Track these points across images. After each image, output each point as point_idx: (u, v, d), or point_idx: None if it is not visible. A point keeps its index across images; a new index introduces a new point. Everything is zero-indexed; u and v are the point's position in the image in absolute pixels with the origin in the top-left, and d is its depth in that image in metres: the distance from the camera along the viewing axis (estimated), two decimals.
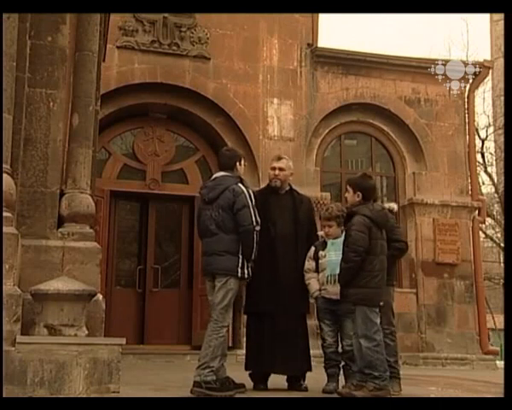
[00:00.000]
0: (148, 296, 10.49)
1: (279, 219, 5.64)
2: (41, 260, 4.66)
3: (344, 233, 5.24)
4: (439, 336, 10.79)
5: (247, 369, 5.62)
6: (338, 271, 5.16)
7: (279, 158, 5.90)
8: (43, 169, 4.86)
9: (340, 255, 5.13)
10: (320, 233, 5.68)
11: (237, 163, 5.26)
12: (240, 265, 5.02)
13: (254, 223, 5.02)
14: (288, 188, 5.84)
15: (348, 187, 5.24)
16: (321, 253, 5.51)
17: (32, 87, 4.89)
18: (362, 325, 4.92)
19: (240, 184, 5.13)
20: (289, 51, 10.82)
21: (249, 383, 5.54)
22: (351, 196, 5.18)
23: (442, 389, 6.17)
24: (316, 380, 5.53)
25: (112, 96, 9.56)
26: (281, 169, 5.75)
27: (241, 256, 5.03)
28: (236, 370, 5.68)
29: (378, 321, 4.97)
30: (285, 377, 5.58)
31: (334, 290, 5.27)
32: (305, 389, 5.32)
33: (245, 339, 6.02)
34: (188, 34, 10.30)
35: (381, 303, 5.06)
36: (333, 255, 5.37)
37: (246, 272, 5.05)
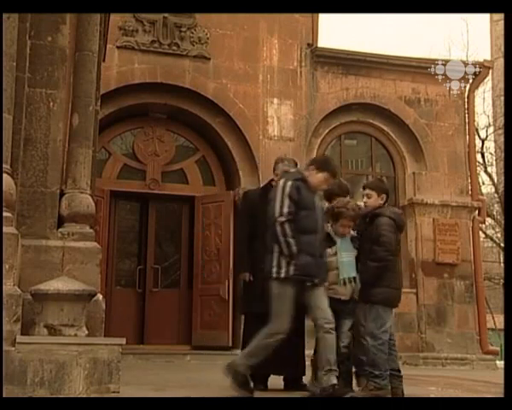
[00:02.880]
0: (148, 296, 10.49)
1: None
2: (41, 260, 4.66)
3: (362, 234, 5.34)
4: (439, 336, 10.79)
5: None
6: (353, 273, 5.16)
7: (296, 164, 6.07)
8: (43, 169, 4.86)
9: (352, 256, 5.18)
10: (328, 229, 5.40)
11: (310, 166, 5.18)
12: (275, 263, 4.84)
13: (277, 214, 4.82)
14: None
15: (370, 191, 5.38)
16: (328, 250, 5.25)
17: (32, 87, 4.89)
18: (372, 323, 5.01)
19: (283, 179, 5.05)
20: (289, 51, 10.82)
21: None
22: (374, 200, 5.32)
23: (442, 389, 6.16)
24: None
25: (112, 96, 9.55)
26: None
27: (276, 254, 4.85)
28: None
29: (389, 322, 5.08)
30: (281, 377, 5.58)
31: (343, 291, 5.20)
32: (307, 389, 5.31)
33: (241, 339, 5.99)
34: (188, 34, 10.29)
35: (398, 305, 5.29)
36: (344, 256, 5.24)
37: (283, 271, 4.80)
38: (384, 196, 5.34)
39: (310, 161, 5.56)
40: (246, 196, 6.39)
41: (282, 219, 4.81)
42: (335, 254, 5.24)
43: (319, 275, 4.93)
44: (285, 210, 4.84)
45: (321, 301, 4.91)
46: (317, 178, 5.08)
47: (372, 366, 4.94)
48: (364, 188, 5.51)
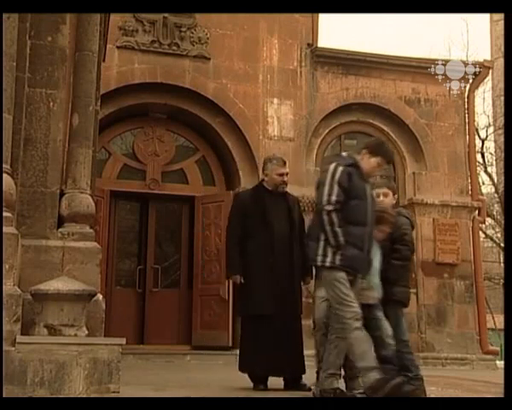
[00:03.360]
0: (148, 296, 10.49)
1: (275, 219, 5.64)
2: (41, 260, 4.65)
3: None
4: (439, 336, 10.79)
5: (241, 370, 5.62)
6: (378, 279, 4.98)
7: (284, 162, 5.88)
8: (43, 169, 4.86)
9: (378, 260, 4.98)
10: None
11: (363, 150, 4.87)
12: (321, 252, 4.58)
13: (324, 202, 4.52)
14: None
15: (388, 190, 5.37)
16: None
17: (32, 87, 4.89)
18: (397, 327, 4.99)
19: (334, 163, 4.70)
20: (289, 51, 10.82)
21: (249, 384, 5.54)
22: (390, 199, 5.33)
23: (442, 389, 6.16)
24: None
25: (112, 96, 9.56)
26: (287, 174, 5.81)
27: (322, 242, 4.57)
28: (237, 370, 5.69)
29: (404, 323, 5.13)
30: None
31: (371, 295, 5.01)
32: (309, 389, 5.30)
33: (239, 340, 5.96)
34: (188, 34, 10.30)
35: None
36: (375, 261, 5.02)
37: (328, 260, 4.53)
38: (396, 195, 5.47)
39: (363, 144, 5.17)
40: (237, 197, 6.28)
41: (330, 207, 4.51)
42: None
43: (364, 271, 4.70)
44: (333, 198, 4.53)
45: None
46: (369, 163, 4.82)
47: (402, 368, 4.87)
48: (379, 187, 5.44)
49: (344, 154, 5.09)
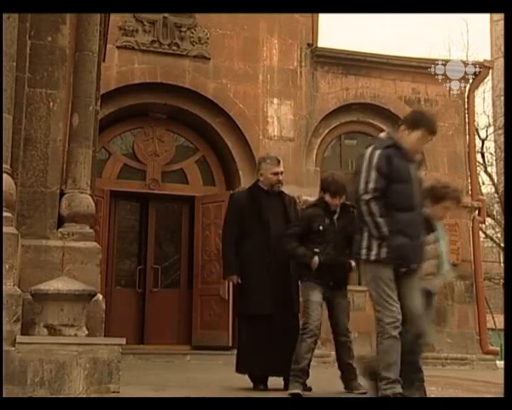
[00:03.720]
0: (148, 296, 10.49)
1: (271, 219, 5.62)
2: (41, 260, 4.66)
3: None
4: (439, 336, 10.77)
5: (239, 371, 5.60)
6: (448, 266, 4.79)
7: (279, 161, 5.85)
8: (43, 169, 4.86)
9: (445, 242, 4.79)
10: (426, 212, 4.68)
11: (401, 127, 4.46)
12: (365, 245, 4.25)
13: (361, 191, 4.17)
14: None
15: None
16: (429, 237, 4.65)
17: (32, 87, 4.89)
18: None
19: (371, 148, 4.32)
20: (289, 51, 10.82)
21: (249, 384, 5.54)
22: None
23: (442, 389, 6.16)
24: (316, 380, 5.53)
25: (112, 96, 9.55)
26: (282, 173, 5.80)
27: (365, 234, 4.25)
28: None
29: None
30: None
31: (437, 284, 4.91)
32: (309, 389, 5.30)
33: (237, 341, 5.96)
34: (188, 34, 10.30)
35: None
36: (443, 245, 4.84)
37: (373, 253, 4.19)
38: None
39: (401, 120, 4.78)
40: (232, 197, 6.20)
41: (368, 196, 4.15)
42: (435, 241, 4.74)
43: (416, 260, 4.28)
44: (371, 186, 4.15)
45: (411, 296, 4.31)
46: (410, 139, 4.35)
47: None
48: None
49: (382, 135, 4.74)
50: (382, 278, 4.15)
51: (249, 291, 5.52)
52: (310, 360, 5.15)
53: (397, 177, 4.21)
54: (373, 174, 4.18)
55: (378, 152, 4.24)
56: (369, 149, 4.30)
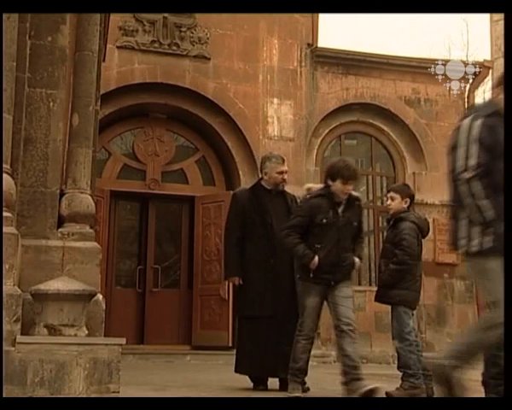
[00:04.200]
0: (148, 296, 10.49)
1: (274, 219, 5.53)
2: (41, 260, 4.65)
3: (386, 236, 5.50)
4: (439, 336, 10.79)
5: (239, 372, 5.56)
6: None
7: (283, 160, 5.80)
8: (43, 169, 4.86)
9: None
10: None
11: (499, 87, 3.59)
12: (464, 234, 3.49)
13: (460, 168, 3.40)
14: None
15: (394, 194, 5.43)
16: None
17: (32, 87, 4.89)
18: (397, 326, 5.18)
19: (470, 117, 3.53)
20: (289, 51, 10.82)
21: (249, 384, 5.54)
22: (398, 203, 5.37)
23: None
24: (316, 380, 5.53)
25: (112, 96, 9.56)
26: (286, 172, 5.75)
27: (464, 221, 3.50)
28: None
29: (411, 322, 5.20)
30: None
31: None
32: (308, 389, 5.29)
33: (237, 341, 5.91)
34: (188, 34, 10.30)
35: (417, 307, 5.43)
36: None
37: (475, 243, 3.41)
38: (408, 200, 5.40)
39: (496, 80, 4.09)
40: (235, 197, 5.95)
41: (469, 174, 3.39)
42: None
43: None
44: (472, 162, 3.39)
45: None
46: None
47: (404, 366, 5.08)
48: (389, 191, 5.60)
49: (481, 102, 4.03)
50: (492, 270, 3.39)
51: (252, 293, 5.44)
52: (307, 360, 5.12)
53: (501, 150, 3.40)
54: (474, 148, 3.42)
55: (479, 122, 3.47)
56: (468, 119, 3.53)
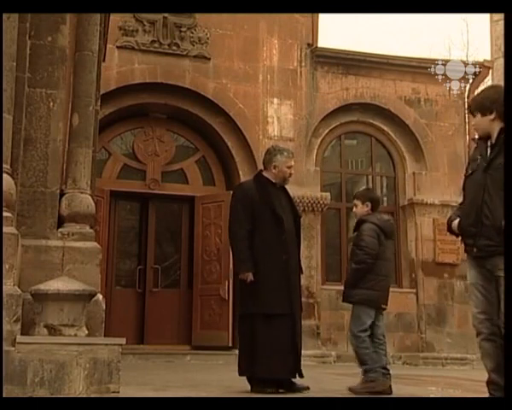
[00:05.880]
0: (148, 296, 10.49)
1: (283, 213, 5.32)
2: (41, 260, 4.65)
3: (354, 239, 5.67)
4: (439, 336, 10.80)
5: (260, 374, 5.14)
6: None
7: (292, 155, 5.65)
8: (43, 169, 4.85)
9: None
10: None
11: None
12: None
13: None
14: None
15: (356, 200, 5.68)
16: None
17: (32, 87, 4.88)
18: (352, 323, 5.40)
19: None
20: (289, 51, 10.83)
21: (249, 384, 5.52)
22: (360, 208, 5.61)
23: (442, 389, 6.16)
24: (316, 380, 5.53)
25: (112, 96, 9.56)
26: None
27: None
28: (237, 370, 5.66)
29: (368, 322, 5.36)
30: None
31: None
32: (307, 388, 5.25)
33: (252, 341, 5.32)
34: (188, 34, 10.30)
35: (383, 306, 5.51)
36: None
37: None
38: (369, 203, 5.59)
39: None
40: (242, 187, 5.67)
41: None
42: None
43: None
44: None
45: None
46: None
47: (361, 361, 5.32)
48: (353, 198, 5.88)
49: None
50: None
51: (267, 289, 5.13)
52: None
53: None
54: None
55: None
56: None
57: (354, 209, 5.74)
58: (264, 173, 5.49)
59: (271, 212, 5.26)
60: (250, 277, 5.16)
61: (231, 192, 10.24)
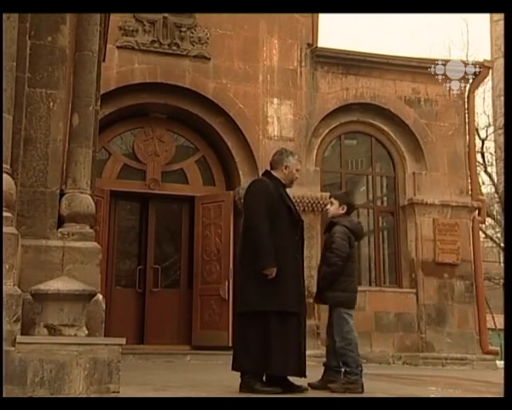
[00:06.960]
0: (148, 296, 10.49)
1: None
2: (41, 260, 4.65)
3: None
4: (439, 336, 10.79)
5: (274, 373, 5.07)
6: None
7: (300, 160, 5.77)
8: (43, 169, 4.85)
9: None
10: None
11: None
12: None
13: None
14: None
15: (333, 200, 5.77)
16: None
17: (32, 87, 4.88)
18: (337, 327, 5.46)
19: None
20: (289, 51, 10.83)
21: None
22: (335, 208, 5.71)
23: (442, 389, 6.16)
24: (316, 380, 5.53)
25: (112, 96, 9.56)
26: None
27: None
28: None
29: (351, 322, 5.49)
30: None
31: None
32: (307, 389, 5.26)
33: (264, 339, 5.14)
34: (188, 34, 10.30)
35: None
36: None
37: None
38: (345, 206, 5.69)
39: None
40: (262, 183, 5.38)
41: None
42: None
43: None
44: None
45: None
46: None
47: (343, 363, 5.38)
48: (330, 196, 5.95)
49: None
50: None
51: (286, 287, 5.04)
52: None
53: None
54: None
55: None
56: None
57: (329, 207, 5.82)
58: (274, 173, 5.41)
59: (288, 211, 5.22)
60: (274, 273, 5.01)
61: (231, 192, 10.38)
